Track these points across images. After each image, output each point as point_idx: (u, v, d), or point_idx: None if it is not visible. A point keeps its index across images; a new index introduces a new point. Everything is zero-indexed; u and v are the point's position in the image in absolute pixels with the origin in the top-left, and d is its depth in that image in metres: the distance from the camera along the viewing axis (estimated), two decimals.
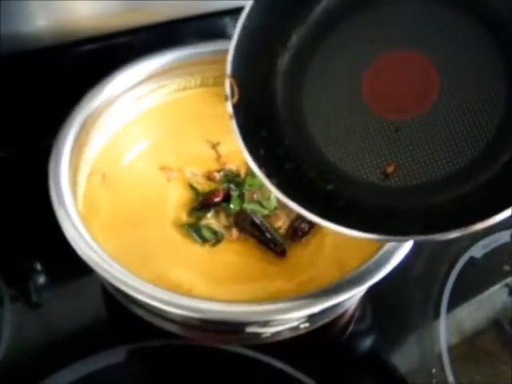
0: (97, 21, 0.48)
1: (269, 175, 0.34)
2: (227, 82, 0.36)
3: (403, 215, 0.34)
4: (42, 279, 0.42)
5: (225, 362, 0.38)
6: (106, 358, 0.37)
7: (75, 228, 0.34)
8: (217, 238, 0.40)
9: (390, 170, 0.35)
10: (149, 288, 0.32)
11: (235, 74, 0.36)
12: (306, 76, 0.39)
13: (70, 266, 0.41)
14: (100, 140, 0.43)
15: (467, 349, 0.41)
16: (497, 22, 0.36)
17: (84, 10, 0.47)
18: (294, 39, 0.39)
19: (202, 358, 0.38)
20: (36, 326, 0.39)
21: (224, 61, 0.43)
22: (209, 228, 0.41)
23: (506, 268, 0.46)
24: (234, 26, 0.53)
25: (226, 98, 0.35)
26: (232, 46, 0.37)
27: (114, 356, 0.37)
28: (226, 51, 0.45)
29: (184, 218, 0.41)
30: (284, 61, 0.39)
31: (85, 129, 0.41)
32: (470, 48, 0.36)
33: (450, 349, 0.40)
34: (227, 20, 0.54)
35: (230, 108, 0.35)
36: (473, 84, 0.35)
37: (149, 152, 0.45)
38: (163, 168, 0.44)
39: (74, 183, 0.38)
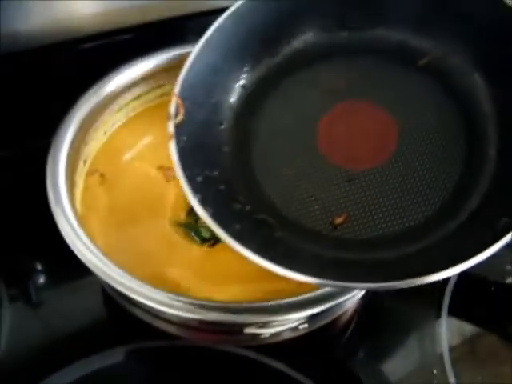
0: (95, 19, 0.48)
1: (203, 203, 0.32)
2: (173, 101, 0.35)
3: (349, 265, 0.32)
4: (41, 279, 0.42)
5: (223, 363, 0.38)
6: (104, 359, 0.37)
7: (72, 228, 0.34)
8: (216, 238, 0.40)
9: (339, 220, 0.33)
10: (146, 289, 0.32)
11: (184, 97, 0.35)
12: (257, 118, 0.38)
13: (69, 266, 0.40)
14: (98, 139, 0.43)
15: (468, 349, 0.41)
16: (455, 87, 0.37)
17: (83, 9, 0.46)
18: (248, 80, 0.39)
19: (201, 358, 0.38)
20: (35, 326, 0.39)
21: None
22: (208, 228, 0.40)
23: (509, 268, 0.45)
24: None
25: (168, 117, 0.34)
26: (186, 67, 0.36)
27: (113, 356, 0.37)
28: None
29: (183, 217, 0.41)
30: (236, 99, 0.39)
31: (83, 128, 0.40)
32: (429, 105, 0.36)
33: (452, 349, 0.40)
34: None
35: (170, 127, 0.34)
36: (431, 141, 0.35)
37: (147, 151, 0.45)
38: (162, 167, 0.43)
39: (71, 183, 0.38)
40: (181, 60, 0.46)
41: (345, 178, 0.35)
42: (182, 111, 0.34)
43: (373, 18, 0.39)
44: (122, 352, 0.37)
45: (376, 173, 0.35)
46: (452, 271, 0.28)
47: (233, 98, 0.38)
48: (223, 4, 0.52)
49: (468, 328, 0.42)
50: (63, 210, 0.35)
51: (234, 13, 0.38)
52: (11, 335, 0.38)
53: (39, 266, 0.43)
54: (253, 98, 0.39)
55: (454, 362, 0.39)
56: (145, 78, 0.44)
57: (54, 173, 0.37)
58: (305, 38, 0.40)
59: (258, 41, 0.39)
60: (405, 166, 0.35)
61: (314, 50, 0.40)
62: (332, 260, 0.32)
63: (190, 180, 0.33)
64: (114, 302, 0.38)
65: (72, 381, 0.36)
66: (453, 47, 0.37)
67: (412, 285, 0.29)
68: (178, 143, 0.33)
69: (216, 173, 0.35)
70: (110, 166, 0.43)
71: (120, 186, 0.42)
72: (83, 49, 0.48)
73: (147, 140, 0.45)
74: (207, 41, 0.37)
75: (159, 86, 0.46)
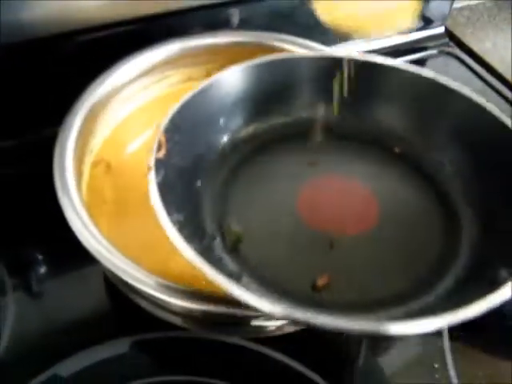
0: (101, 10, 0.47)
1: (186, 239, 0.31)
2: (158, 136, 0.35)
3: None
4: (44, 269, 0.42)
5: (228, 355, 0.38)
6: (108, 349, 0.37)
7: (79, 217, 0.34)
8: None
9: (321, 283, 0.33)
10: (152, 279, 0.32)
11: (168, 138, 0.35)
12: (237, 179, 0.39)
13: (73, 255, 0.40)
14: (105, 129, 0.43)
15: (470, 343, 0.41)
16: (428, 174, 0.40)
17: None
18: (232, 141, 0.40)
19: (206, 350, 0.38)
20: (38, 315, 0.39)
21: (229, 51, 0.43)
22: None
23: None
24: (239, 17, 0.53)
25: (151, 149, 0.34)
26: (176, 108, 0.36)
27: (117, 347, 0.37)
28: (231, 42, 0.45)
29: None
30: (217, 157, 0.39)
31: (90, 118, 0.40)
32: (407, 187, 0.39)
33: (453, 343, 0.40)
34: (232, 10, 0.53)
35: (151, 160, 0.33)
36: (409, 218, 0.37)
37: (153, 142, 0.44)
38: None
39: (78, 172, 0.38)
40: (187, 52, 0.46)
41: (327, 243, 0.35)
42: (163, 149, 0.34)
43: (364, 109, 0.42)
44: (127, 343, 0.37)
45: (359, 239, 0.35)
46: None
47: (214, 156, 0.39)
48: None
49: (470, 322, 0.42)
50: (70, 199, 0.35)
51: (244, 69, 0.40)
52: (15, 325, 0.38)
53: (43, 256, 0.43)
54: (234, 159, 0.40)
55: (456, 356, 0.39)
56: (151, 69, 0.44)
57: (61, 162, 0.37)
58: (299, 113, 0.42)
59: (253, 103, 0.41)
60: (385, 238, 0.36)
61: (304, 125, 0.42)
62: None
63: (168, 212, 0.31)
64: (118, 292, 0.38)
65: (76, 371, 0.36)
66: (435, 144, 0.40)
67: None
68: (156, 177, 0.33)
69: (189, 220, 0.34)
70: (115, 156, 0.43)
71: (126, 176, 0.42)
72: (89, 39, 0.48)
73: (153, 130, 0.45)
74: (203, 90, 0.37)
75: (166, 77, 0.46)
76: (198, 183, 0.37)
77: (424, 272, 0.34)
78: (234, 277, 0.32)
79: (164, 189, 0.32)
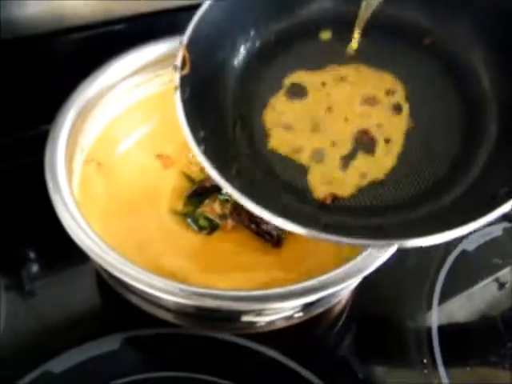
0: (93, 8, 0.47)
1: (206, 154, 0.32)
2: (180, 52, 0.35)
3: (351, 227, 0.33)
4: (36, 267, 0.42)
5: (219, 351, 0.38)
6: (100, 346, 0.37)
7: (71, 215, 0.34)
8: (212, 226, 0.40)
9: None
10: (145, 275, 0.32)
11: (191, 50, 0.35)
12: (259, 82, 0.38)
13: (64, 254, 0.41)
14: (96, 128, 0.43)
15: (459, 341, 0.41)
16: (456, 65, 0.38)
17: None
18: (254, 44, 0.39)
19: (197, 346, 0.38)
20: (30, 313, 0.39)
21: None
22: (205, 217, 0.41)
23: (498, 261, 0.46)
24: None
25: (174, 68, 0.34)
26: (194, 22, 0.36)
27: (109, 344, 0.37)
28: None
29: (180, 206, 0.41)
30: (240, 61, 0.39)
31: (81, 116, 0.40)
32: (434, 79, 0.38)
33: (442, 340, 0.40)
34: None
35: (177, 79, 0.34)
36: (434, 111, 0.37)
37: (144, 140, 0.45)
38: (160, 156, 0.44)
39: (69, 171, 0.38)
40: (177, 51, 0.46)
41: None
42: (188, 64, 0.35)
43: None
44: (118, 339, 0.38)
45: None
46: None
47: (237, 61, 0.39)
48: None
49: (458, 320, 0.43)
50: (62, 197, 0.35)
51: None
52: (6, 323, 0.38)
53: (34, 254, 0.43)
54: (257, 63, 0.39)
55: (444, 352, 0.40)
56: (143, 68, 0.44)
57: (52, 160, 0.37)
58: (317, 7, 0.40)
59: (268, 4, 0.39)
60: (409, 134, 0.36)
61: (324, 19, 0.40)
62: (333, 223, 0.33)
63: (193, 132, 0.33)
64: (110, 289, 0.38)
65: (68, 368, 0.36)
66: (456, 26, 0.38)
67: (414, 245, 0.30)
68: (182, 95, 0.34)
69: (216, 130, 0.35)
70: (107, 155, 0.43)
71: (117, 175, 0.42)
72: (81, 37, 0.48)
73: (145, 129, 0.45)
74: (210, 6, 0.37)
75: (157, 76, 0.46)
76: (225, 85, 0.37)
77: (434, 179, 0.35)
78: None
79: (190, 106, 0.33)
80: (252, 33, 0.39)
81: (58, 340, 0.38)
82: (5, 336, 0.38)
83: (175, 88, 0.34)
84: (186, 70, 0.34)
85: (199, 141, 0.33)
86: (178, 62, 0.34)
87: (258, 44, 0.39)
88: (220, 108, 0.37)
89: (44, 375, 0.36)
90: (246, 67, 0.39)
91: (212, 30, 0.37)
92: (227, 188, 0.31)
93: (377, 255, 0.34)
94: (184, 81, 0.34)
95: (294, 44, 0.40)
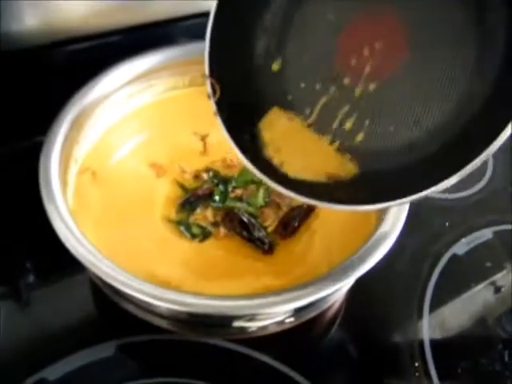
0: (87, 20, 0.48)
1: (253, 161, 0.36)
2: (208, 82, 0.37)
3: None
4: (31, 275, 0.43)
5: (212, 356, 0.38)
6: (95, 353, 0.37)
7: (65, 225, 0.35)
8: (204, 234, 0.41)
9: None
10: (138, 283, 0.33)
11: (214, 71, 0.37)
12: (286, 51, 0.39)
13: (60, 263, 0.41)
14: (90, 138, 0.44)
15: (450, 344, 0.42)
16: None
17: (74, 10, 0.47)
18: (267, 22, 0.40)
19: (190, 352, 0.38)
20: (26, 322, 0.40)
21: None
22: (197, 225, 0.41)
23: (489, 265, 0.46)
24: None
25: (208, 97, 0.37)
26: (207, 46, 0.37)
27: (103, 351, 0.38)
28: None
29: (173, 214, 0.42)
30: (261, 44, 0.40)
31: (75, 127, 0.41)
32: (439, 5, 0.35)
33: (433, 344, 0.41)
34: None
35: (213, 106, 0.37)
36: (440, 40, 0.35)
37: (138, 150, 0.45)
38: (153, 165, 0.44)
39: (63, 181, 0.39)
40: (172, 61, 0.47)
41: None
42: (217, 86, 0.37)
43: None
44: (112, 346, 0.38)
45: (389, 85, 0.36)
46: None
47: (258, 47, 0.40)
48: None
49: (450, 324, 0.43)
50: (56, 207, 0.35)
51: None
52: (2, 331, 0.38)
53: (30, 264, 0.43)
54: (275, 41, 0.40)
55: (436, 357, 0.40)
56: (136, 78, 0.45)
57: (46, 170, 0.37)
58: None
59: None
60: (414, 71, 0.35)
61: None
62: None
63: (239, 143, 0.36)
64: (104, 297, 0.38)
65: (63, 375, 0.36)
66: None
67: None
68: (222, 117, 0.37)
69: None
70: (101, 164, 0.43)
71: (112, 184, 0.43)
72: (75, 49, 0.49)
73: (139, 139, 0.46)
74: (216, 13, 0.37)
75: (151, 86, 0.46)
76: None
77: (444, 112, 0.34)
78: None
79: (232, 126, 0.37)
80: (263, 16, 0.39)
81: (53, 347, 0.38)
82: (1, 344, 0.38)
83: (215, 114, 0.37)
84: (218, 93, 0.37)
85: (244, 148, 0.36)
86: (209, 90, 0.37)
87: (272, 23, 0.39)
88: (254, 100, 0.39)
89: (39, 383, 0.36)
90: (269, 49, 0.40)
91: (226, 46, 0.38)
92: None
93: (367, 259, 0.34)
94: (219, 103, 0.37)
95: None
